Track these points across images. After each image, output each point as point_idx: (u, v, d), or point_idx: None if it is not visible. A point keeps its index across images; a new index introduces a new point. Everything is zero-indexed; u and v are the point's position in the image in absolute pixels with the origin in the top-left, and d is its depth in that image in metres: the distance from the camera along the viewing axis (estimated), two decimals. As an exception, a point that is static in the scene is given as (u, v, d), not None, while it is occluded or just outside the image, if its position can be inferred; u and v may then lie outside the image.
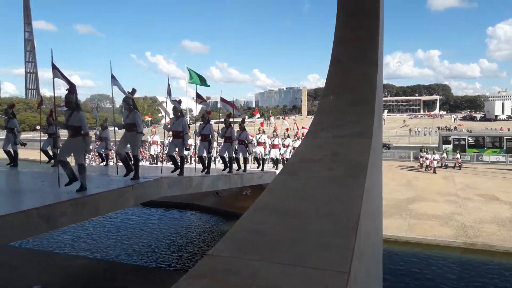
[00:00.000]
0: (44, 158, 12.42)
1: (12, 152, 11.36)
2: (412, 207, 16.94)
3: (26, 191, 7.95)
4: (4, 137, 11.46)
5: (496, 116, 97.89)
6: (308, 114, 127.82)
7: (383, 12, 5.84)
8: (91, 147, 22.10)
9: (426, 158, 26.49)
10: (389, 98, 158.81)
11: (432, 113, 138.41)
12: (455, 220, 15.10)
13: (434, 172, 25.16)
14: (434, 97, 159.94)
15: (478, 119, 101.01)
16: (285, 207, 3.25)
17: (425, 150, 28.03)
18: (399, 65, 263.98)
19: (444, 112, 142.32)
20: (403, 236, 13.76)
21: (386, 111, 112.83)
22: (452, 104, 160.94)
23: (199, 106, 23.52)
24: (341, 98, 4.78)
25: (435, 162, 25.56)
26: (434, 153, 26.31)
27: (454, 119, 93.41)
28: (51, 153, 11.96)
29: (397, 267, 11.70)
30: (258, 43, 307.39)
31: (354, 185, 3.32)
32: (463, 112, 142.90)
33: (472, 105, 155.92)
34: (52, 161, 11.71)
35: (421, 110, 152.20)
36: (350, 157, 3.78)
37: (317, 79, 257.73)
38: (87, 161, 20.11)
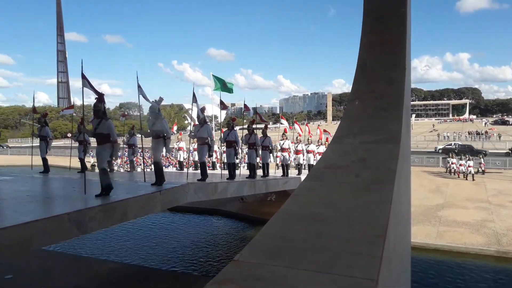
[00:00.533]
0: (75, 165, 12.82)
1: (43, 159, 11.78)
2: (442, 214, 16.47)
3: (58, 197, 8.22)
4: (38, 144, 11.91)
5: None
6: (333, 120, 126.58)
7: (410, 15, 5.75)
8: (119, 153, 22.63)
9: (453, 163, 25.71)
10: (416, 102, 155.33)
11: (461, 117, 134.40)
12: (486, 227, 14.57)
13: (468, 178, 24.11)
14: (463, 101, 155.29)
15: (510, 123, 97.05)
16: (311, 214, 3.22)
17: (453, 155, 27.20)
18: (427, 69, 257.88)
19: (475, 116, 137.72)
20: (432, 244, 13.39)
21: (414, 115, 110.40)
22: (483, 108, 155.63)
23: (224, 113, 23.63)
24: (368, 103, 4.72)
25: (470, 168, 24.42)
26: (469, 159, 25.27)
27: (485, 123, 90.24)
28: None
29: (426, 275, 11.38)
30: (283, 49, 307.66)
31: (382, 191, 3.26)
32: (494, 116, 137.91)
33: (504, 108, 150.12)
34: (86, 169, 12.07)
35: (450, 115, 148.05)
36: (378, 163, 3.72)
37: (342, 84, 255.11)
38: (115, 167, 20.60)
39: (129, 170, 15.32)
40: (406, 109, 4.79)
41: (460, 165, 25.12)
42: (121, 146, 16.28)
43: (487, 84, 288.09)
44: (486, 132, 60.11)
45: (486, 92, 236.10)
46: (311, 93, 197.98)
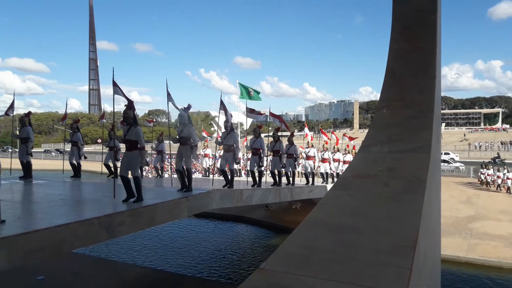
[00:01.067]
0: (105, 170, 13.16)
1: (76, 164, 12.16)
2: (473, 226, 15.89)
3: (88, 201, 8.45)
4: (69, 150, 12.32)
5: None
6: (360, 128, 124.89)
7: (440, 22, 5.65)
8: (148, 160, 23.05)
9: (488, 175, 24.51)
10: (446, 111, 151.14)
11: (494, 126, 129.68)
12: (523, 241, 13.95)
13: (508, 191, 22.61)
14: (496, 109, 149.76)
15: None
16: (338, 223, 3.19)
17: (487, 166, 26.11)
18: (457, 77, 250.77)
19: (508, 126, 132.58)
20: (463, 257, 12.92)
21: (443, 124, 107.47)
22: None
23: (249, 120, 23.83)
24: (397, 112, 4.65)
25: (509, 181, 22.74)
26: (508, 171, 23.45)
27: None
28: (111, 165, 12.62)
29: (457, 289, 10.99)
30: (309, 57, 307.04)
31: (411, 202, 3.20)
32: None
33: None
34: (112, 174, 12.36)
35: (482, 124, 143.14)
36: (407, 172, 3.65)
37: (369, 92, 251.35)
38: (144, 173, 21.03)
39: (156, 176, 15.58)
40: (437, 117, 4.69)
41: (498, 177, 23.71)
42: (149, 152, 16.63)
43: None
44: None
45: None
46: (337, 101, 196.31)
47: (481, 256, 12.86)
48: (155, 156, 15.30)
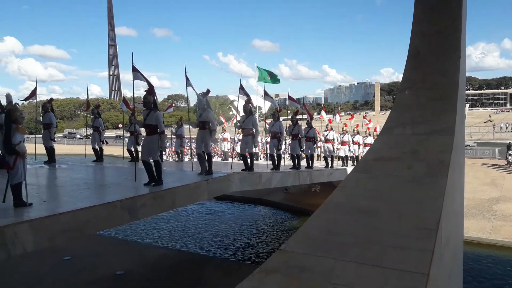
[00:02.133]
0: (127, 155, 13.40)
1: (98, 149, 12.41)
2: (497, 208, 15.57)
3: (111, 184, 8.65)
4: (91, 135, 12.57)
5: None
6: (381, 110, 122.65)
7: (465, 2, 5.43)
8: (167, 144, 23.22)
9: None
10: (471, 92, 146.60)
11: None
12: (548, 224, 13.60)
13: None
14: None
15: None
16: (359, 206, 3.17)
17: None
18: (482, 57, 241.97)
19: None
20: (486, 238, 12.72)
21: (467, 105, 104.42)
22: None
23: (268, 104, 23.68)
24: (421, 93, 4.54)
25: None
26: None
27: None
28: (133, 150, 12.82)
29: (479, 270, 10.86)
30: (328, 39, 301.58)
31: (434, 184, 3.14)
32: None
33: None
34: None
35: (508, 104, 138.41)
36: (430, 155, 3.58)
37: (391, 73, 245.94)
38: (164, 157, 21.31)
39: (177, 160, 15.78)
40: (461, 99, 4.56)
41: None
42: (169, 136, 16.81)
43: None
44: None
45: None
46: (357, 83, 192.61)
47: (506, 238, 12.63)
48: (175, 140, 15.47)
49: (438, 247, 2.50)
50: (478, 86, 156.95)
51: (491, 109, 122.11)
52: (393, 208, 3.03)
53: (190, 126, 9.91)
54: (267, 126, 12.07)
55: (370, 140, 17.09)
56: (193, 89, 9.23)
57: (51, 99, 11.69)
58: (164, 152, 19.88)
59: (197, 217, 16.97)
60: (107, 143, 12.78)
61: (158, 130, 7.42)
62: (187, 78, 9.38)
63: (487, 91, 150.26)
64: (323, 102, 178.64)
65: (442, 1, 5.32)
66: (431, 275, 2.15)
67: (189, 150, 19.23)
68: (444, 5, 5.27)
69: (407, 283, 2.09)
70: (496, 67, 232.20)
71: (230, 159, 15.78)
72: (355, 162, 17.24)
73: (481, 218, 14.43)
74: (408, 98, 4.61)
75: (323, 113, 21.50)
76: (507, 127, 53.88)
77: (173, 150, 17.94)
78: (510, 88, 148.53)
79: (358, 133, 18.07)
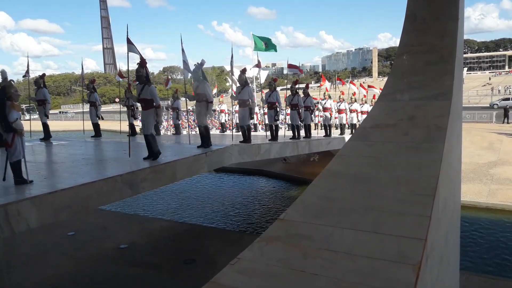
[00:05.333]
0: (125, 129, 13.36)
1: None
2: (494, 172, 15.74)
3: (110, 160, 8.67)
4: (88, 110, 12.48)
5: None
6: (379, 76, 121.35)
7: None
8: (165, 117, 23.09)
9: None
10: (469, 55, 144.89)
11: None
12: (545, 186, 13.79)
13: None
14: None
15: None
16: (357, 174, 3.19)
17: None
18: (481, 18, 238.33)
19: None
20: (483, 202, 12.92)
21: (465, 69, 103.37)
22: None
23: (265, 74, 23.36)
24: (418, 57, 4.47)
25: None
26: None
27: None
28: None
29: (476, 233, 11.10)
30: (324, 4, 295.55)
31: (431, 150, 3.15)
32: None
33: None
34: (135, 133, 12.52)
35: (506, 67, 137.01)
36: (428, 121, 3.57)
37: (388, 38, 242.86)
38: (162, 131, 21.25)
39: (175, 133, 15.77)
40: (459, 62, 4.50)
41: None
42: (166, 110, 16.70)
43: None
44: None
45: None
46: (355, 49, 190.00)
47: (502, 201, 12.83)
48: (171, 113, 15.39)
49: (436, 212, 2.53)
50: (477, 49, 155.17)
51: (489, 72, 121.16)
52: (390, 174, 3.04)
53: (187, 99, 9.83)
54: (264, 96, 12.00)
55: (367, 107, 17.03)
56: (186, 63, 9.12)
57: (44, 75, 11.52)
58: (161, 126, 19.80)
59: (197, 189, 17.15)
60: (102, 118, 12.71)
61: (154, 104, 7.37)
62: (182, 50, 9.23)
63: (486, 53, 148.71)
64: (320, 70, 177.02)
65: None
66: (428, 240, 2.19)
67: (187, 123, 19.20)
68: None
69: (405, 248, 2.13)
70: (496, 28, 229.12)
71: (228, 131, 15.77)
72: (353, 130, 17.25)
73: (478, 182, 14.60)
74: (405, 63, 4.55)
75: (326, 83, 21.24)
76: (505, 90, 53.58)
77: (171, 124, 17.88)
78: (508, 50, 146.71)
79: (355, 100, 17.98)
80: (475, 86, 67.47)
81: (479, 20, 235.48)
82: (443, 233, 3.06)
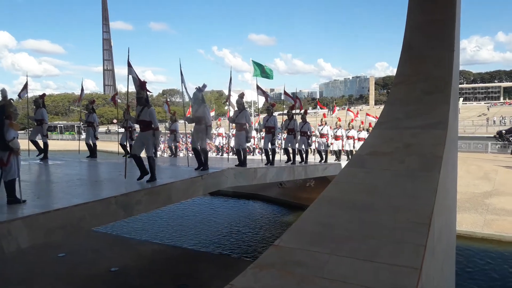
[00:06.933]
0: (122, 150, 13.33)
1: (92, 144, 12.33)
2: (490, 202, 15.70)
3: (105, 180, 8.61)
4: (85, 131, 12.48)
5: None
6: (375, 104, 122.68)
7: (459, -7, 5.43)
8: (162, 139, 23.12)
9: None
10: (465, 85, 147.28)
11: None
12: (540, 217, 13.75)
13: None
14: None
15: None
16: (353, 201, 3.18)
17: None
18: (477, 50, 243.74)
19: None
20: (478, 232, 12.84)
21: (461, 99, 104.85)
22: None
23: (262, 99, 23.62)
24: (414, 87, 4.55)
25: None
26: None
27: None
28: (127, 146, 12.75)
29: (472, 264, 10.97)
30: (323, 32, 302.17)
31: (427, 179, 3.16)
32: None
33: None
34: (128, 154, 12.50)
35: (501, 98, 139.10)
36: (424, 149, 3.60)
37: (385, 67, 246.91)
38: (159, 153, 21.21)
39: (171, 155, 15.74)
40: (454, 92, 4.57)
41: None
42: (163, 132, 16.74)
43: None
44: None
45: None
46: (352, 77, 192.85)
47: (497, 231, 12.75)
48: (169, 135, 15.42)
49: (431, 241, 2.52)
50: (472, 79, 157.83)
51: (484, 103, 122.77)
52: (386, 202, 3.04)
53: (185, 121, 9.87)
54: (261, 121, 12.09)
55: (364, 134, 17.13)
56: (184, 89, 9.25)
57: (44, 95, 11.58)
58: (158, 148, 19.79)
59: (192, 213, 16.97)
60: (97, 138, 12.70)
61: (153, 126, 7.39)
62: (181, 74, 9.35)
63: (481, 84, 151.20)
64: (318, 96, 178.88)
65: (436, -6, 5.32)
66: (423, 269, 2.17)
67: (184, 146, 19.22)
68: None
69: (400, 277, 2.11)
70: (491, 60, 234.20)
71: (225, 154, 15.78)
72: (349, 156, 17.29)
73: (474, 212, 14.55)
74: (402, 92, 4.62)
75: (323, 110, 21.47)
76: (500, 121, 54.18)
77: (167, 146, 17.89)
78: (503, 82, 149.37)
79: (352, 127, 18.10)
80: (471, 116, 68.19)
81: (475, 52, 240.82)
82: (438, 262, 3.03)
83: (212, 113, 23.50)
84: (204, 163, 8.59)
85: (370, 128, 19.34)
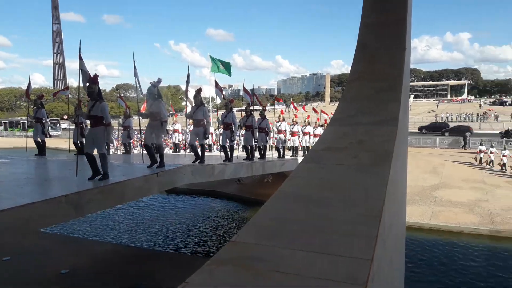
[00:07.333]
0: (73, 147, 12.77)
1: (40, 141, 11.72)
2: (437, 194, 16.63)
3: (55, 179, 8.21)
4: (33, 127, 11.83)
5: None
6: (331, 101, 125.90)
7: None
8: (115, 136, 22.42)
9: (481, 151, 22.97)
10: (415, 83, 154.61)
11: (459, 98, 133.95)
12: (481, 207, 14.74)
13: (503, 168, 20.84)
14: (462, 81, 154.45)
15: (508, 103, 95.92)
16: (309, 195, 3.23)
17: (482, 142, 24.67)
18: (427, 49, 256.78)
19: (473, 97, 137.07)
20: (426, 224, 13.57)
21: (412, 96, 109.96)
22: (481, 89, 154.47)
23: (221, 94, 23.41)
24: (367, 85, 4.69)
25: (505, 158, 21.00)
26: (505, 149, 22.45)
27: (480, 105, 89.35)
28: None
29: (420, 254, 11.57)
30: (281, 29, 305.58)
31: (379, 173, 3.27)
32: (492, 96, 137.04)
33: (502, 89, 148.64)
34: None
35: (448, 95, 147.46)
36: (375, 145, 3.72)
37: (341, 65, 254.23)
38: (112, 150, 20.55)
39: (125, 152, 15.29)
40: (405, 90, 4.76)
41: (491, 152, 22.42)
42: (117, 128, 16.23)
43: (487, 65, 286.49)
44: (484, 113, 60.06)
45: (486, 72, 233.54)
46: (309, 74, 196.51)
47: (444, 222, 13.53)
48: (122, 132, 14.96)
49: (382, 233, 2.61)
50: (422, 77, 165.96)
51: (433, 100, 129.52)
52: (340, 196, 3.11)
53: (140, 117, 9.60)
54: (220, 117, 12.02)
55: (320, 131, 17.52)
56: (138, 83, 9.01)
57: (42, 96, 10.93)
58: (112, 145, 19.16)
59: (148, 211, 16.61)
60: (50, 135, 12.09)
61: (104, 122, 7.12)
62: (135, 68, 9.08)
63: (430, 82, 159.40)
64: (276, 93, 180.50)
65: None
66: (374, 260, 2.24)
67: (139, 142, 18.71)
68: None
69: (352, 268, 2.16)
70: (440, 59, 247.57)
71: (182, 151, 15.56)
72: (306, 152, 17.63)
73: (423, 204, 15.34)
74: (355, 90, 4.75)
75: (282, 106, 21.69)
76: (447, 117, 57.36)
77: (121, 142, 17.35)
78: (450, 80, 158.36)
79: (308, 124, 18.45)
80: (421, 112, 71.65)
81: (425, 51, 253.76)
82: (389, 253, 3.15)
83: (170, 109, 23.07)
84: (159, 160, 8.40)
85: (326, 125, 19.80)
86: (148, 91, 8.54)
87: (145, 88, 8.75)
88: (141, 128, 11.23)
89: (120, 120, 15.52)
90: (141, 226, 14.36)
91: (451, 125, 42.82)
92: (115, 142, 24.91)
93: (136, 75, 9.09)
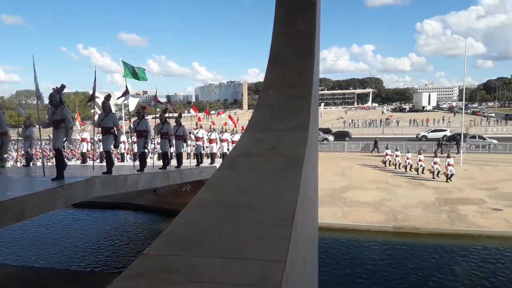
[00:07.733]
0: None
1: None
2: (346, 195, 17.77)
3: None
4: None
5: (423, 107, 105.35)
6: (249, 108, 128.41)
7: (320, 7, 6.01)
8: (15, 147, 20.35)
9: (387, 154, 24.77)
10: (325, 91, 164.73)
11: (365, 105, 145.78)
12: (385, 206, 16.08)
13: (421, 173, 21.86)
14: (367, 90, 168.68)
15: (407, 110, 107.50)
16: (224, 201, 3.23)
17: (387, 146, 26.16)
18: (335, 60, 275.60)
19: (376, 104, 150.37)
20: (338, 223, 14.40)
21: (322, 104, 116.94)
22: (384, 97, 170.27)
23: (134, 101, 22.56)
24: (280, 93, 4.86)
25: (421, 163, 21.97)
26: (408, 151, 23.90)
27: (382, 112, 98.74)
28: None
29: (332, 252, 12.23)
30: (198, 36, 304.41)
31: (291, 177, 3.39)
32: (393, 104, 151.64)
33: (402, 97, 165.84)
34: None
35: (355, 103, 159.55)
36: (288, 150, 3.85)
37: (257, 74, 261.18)
38: (11, 162, 18.57)
39: (25, 164, 13.91)
40: (315, 98, 5.02)
41: (396, 156, 24.20)
42: (15, 138, 14.71)
43: (388, 75, 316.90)
44: (387, 119, 66.19)
45: (388, 81, 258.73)
46: (227, 82, 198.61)
47: (353, 221, 14.49)
48: (23, 143, 13.58)
49: (294, 235, 2.69)
50: (332, 86, 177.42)
51: (342, 108, 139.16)
52: (255, 200, 3.16)
53: (41, 126, 8.77)
54: (132, 124, 11.52)
55: (237, 137, 17.72)
56: (38, 90, 8.31)
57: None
58: (9, 157, 17.33)
59: (53, 228, 15.28)
60: None
61: (0, 131, 6.42)
62: (35, 73, 8.32)
63: (339, 91, 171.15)
64: (193, 100, 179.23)
65: (299, 5, 5.78)
66: (288, 261, 2.30)
67: (41, 154, 17.13)
68: (301, 9, 5.74)
69: (267, 271, 2.20)
70: (347, 69, 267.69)
71: (90, 162, 14.59)
72: (224, 158, 17.68)
73: (334, 205, 16.27)
74: (269, 98, 4.90)
75: (192, 110, 21.53)
76: (354, 123, 61.89)
77: (22, 154, 15.75)
78: (357, 89, 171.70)
79: (226, 130, 18.55)
80: (331, 119, 76.43)
81: (334, 62, 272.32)
82: (302, 254, 3.27)
83: (77, 119, 21.56)
84: (60, 170, 7.76)
85: (243, 131, 20.10)
86: (49, 97, 7.88)
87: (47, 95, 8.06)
88: (41, 137, 10.26)
89: (20, 130, 14.07)
90: (46, 245, 13.15)
91: (333, 130, 45.97)
92: (14, 154, 22.56)
93: (35, 81, 8.32)
